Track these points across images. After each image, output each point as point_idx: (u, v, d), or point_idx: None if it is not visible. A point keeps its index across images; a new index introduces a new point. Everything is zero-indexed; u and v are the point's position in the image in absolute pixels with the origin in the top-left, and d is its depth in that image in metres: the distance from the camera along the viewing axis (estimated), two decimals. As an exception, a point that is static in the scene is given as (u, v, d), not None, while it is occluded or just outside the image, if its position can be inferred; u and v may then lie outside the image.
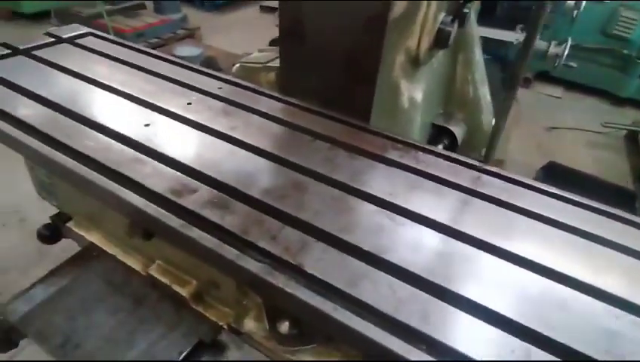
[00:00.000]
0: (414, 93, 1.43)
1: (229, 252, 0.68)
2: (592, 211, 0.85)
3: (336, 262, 0.68)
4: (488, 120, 1.79)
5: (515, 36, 3.30)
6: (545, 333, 0.60)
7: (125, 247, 0.98)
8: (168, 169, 0.84)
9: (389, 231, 0.75)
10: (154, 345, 0.84)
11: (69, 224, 1.05)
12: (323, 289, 0.64)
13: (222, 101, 1.09)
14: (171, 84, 1.15)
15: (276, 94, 1.15)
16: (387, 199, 0.82)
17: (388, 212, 0.80)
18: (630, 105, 4.32)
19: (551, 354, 0.58)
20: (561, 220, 0.81)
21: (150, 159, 0.87)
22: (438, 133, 1.71)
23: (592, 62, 4.20)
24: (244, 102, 1.09)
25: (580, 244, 0.77)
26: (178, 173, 0.83)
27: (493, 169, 0.95)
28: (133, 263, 0.95)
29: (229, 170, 0.85)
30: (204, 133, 0.96)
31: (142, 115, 1.01)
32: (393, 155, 0.95)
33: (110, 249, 0.98)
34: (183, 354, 0.82)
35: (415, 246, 0.73)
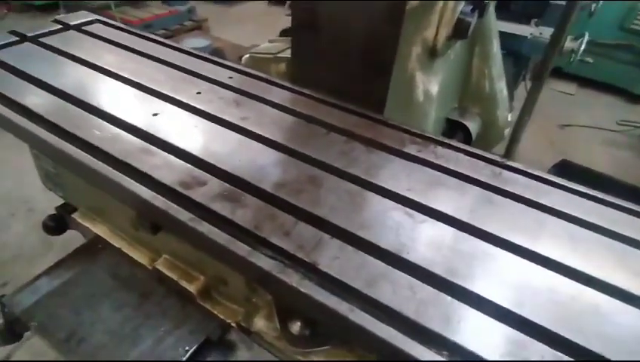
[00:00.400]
0: (430, 86, 1.38)
1: (240, 248, 0.64)
2: (621, 211, 0.80)
3: (352, 260, 0.64)
4: (504, 115, 1.74)
5: (529, 30, 3.22)
6: (575, 340, 0.56)
7: (131, 240, 0.95)
8: (177, 160, 0.81)
9: (408, 229, 0.71)
10: (160, 342, 0.82)
11: (75, 215, 1.02)
12: (339, 289, 0.60)
13: (233, 91, 1.05)
14: (180, 73, 1.12)
15: (289, 85, 1.11)
16: (406, 195, 0.78)
17: (407, 208, 0.76)
18: (647, 103, 4.21)
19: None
20: (588, 219, 0.76)
21: (158, 150, 0.84)
22: (452, 128, 1.67)
23: (609, 58, 4.09)
24: (255, 92, 1.05)
25: (610, 245, 0.72)
26: (187, 165, 0.80)
27: (515, 165, 0.91)
28: (140, 257, 0.92)
29: (241, 162, 0.82)
30: (214, 124, 0.93)
31: (150, 104, 0.98)
32: (411, 149, 0.91)
33: (116, 242, 0.96)
34: (190, 352, 0.80)
35: (436, 244, 0.69)
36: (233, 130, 0.91)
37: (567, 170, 3.20)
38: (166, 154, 0.82)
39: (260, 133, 0.90)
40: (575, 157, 3.17)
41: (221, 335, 0.81)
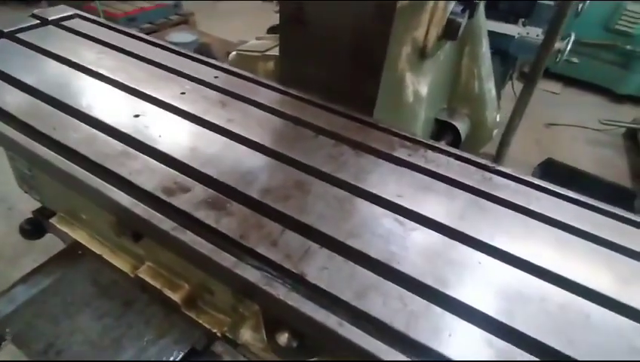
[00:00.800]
0: (419, 86, 1.37)
1: (226, 259, 0.62)
2: (610, 217, 0.80)
3: (341, 271, 0.63)
4: (492, 116, 1.74)
5: (517, 30, 3.24)
6: (563, 351, 0.55)
7: (112, 247, 0.92)
8: (159, 164, 0.78)
9: (399, 237, 0.69)
10: (143, 352, 0.79)
11: (52, 220, 0.98)
12: (327, 301, 0.58)
13: (218, 91, 1.02)
14: (164, 72, 1.08)
15: (276, 85, 1.08)
16: (396, 201, 0.76)
17: (397, 215, 0.74)
18: (629, 102, 4.29)
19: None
20: (576, 225, 0.76)
21: (140, 153, 0.80)
22: (441, 129, 1.66)
23: (593, 58, 4.15)
24: (242, 92, 1.02)
25: (599, 253, 0.72)
26: (170, 170, 0.77)
27: (505, 170, 0.90)
28: (121, 264, 0.89)
29: (226, 166, 0.79)
30: (198, 126, 0.89)
31: (131, 104, 0.94)
32: (401, 153, 0.90)
33: (96, 248, 0.92)
34: (174, 363, 0.77)
35: (426, 253, 0.67)
36: (218, 133, 0.88)
37: (552, 168, 3.24)
38: (147, 157, 0.79)
39: (245, 135, 0.87)
40: (560, 156, 3.21)
41: (206, 345, 0.78)
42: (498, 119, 1.78)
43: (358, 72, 1.10)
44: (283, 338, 0.63)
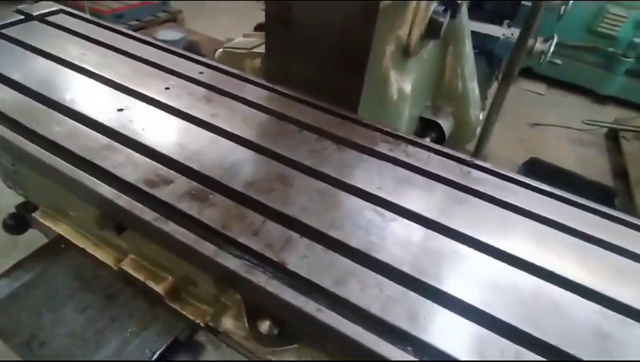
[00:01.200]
0: (404, 84, 1.39)
1: (207, 248, 0.63)
2: (586, 210, 0.83)
3: (321, 259, 0.64)
4: (476, 114, 1.78)
5: (501, 31, 3.30)
6: (535, 334, 0.58)
7: (96, 240, 0.92)
8: (142, 158, 0.79)
9: (378, 228, 0.71)
10: (125, 344, 0.79)
11: (35, 214, 0.98)
12: (307, 288, 0.60)
13: (203, 87, 1.02)
14: (148, 67, 1.08)
15: (262, 81, 1.09)
16: (376, 194, 0.78)
17: (377, 207, 0.76)
18: (611, 103, 4.39)
19: (540, 355, 0.55)
20: (552, 218, 0.79)
21: (123, 147, 0.81)
22: (426, 127, 1.69)
23: (576, 60, 4.24)
24: (227, 88, 1.03)
25: (573, 244, 0.75)
26: (153, 163, 0.78)
27: (484, 164, 0.93)
28: (104, 257, 0.89)
29: (210, 160, 0.80)
30: (182, 120, 0.90)
31: (115, 99, 0.95)
32: (383, 148, 0.92)
33: (79, 241, 0.92)
34: (157, 354, 0.78)
35: (405, 243, 0.69)
36: (202, 127, 0.89)
37: (536, 167, 3.31)
38: (131, 151, 0.80)
39: (230, 130, 0.89)
40: (544, 155, 3.28)
41: (190, 336, 0.79)
42: (481, 117, 1.82)
43: (342, 71, 1.11)
44: (264, 325, 0.65)
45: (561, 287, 0.65)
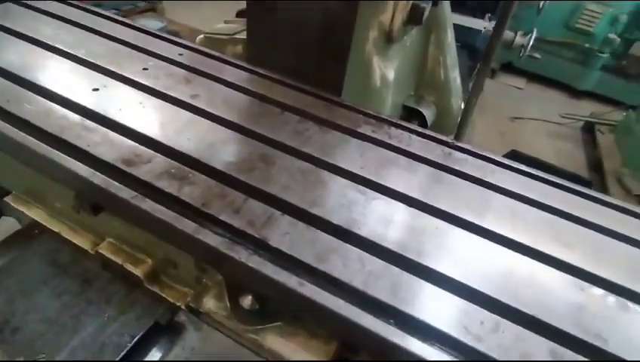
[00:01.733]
0: (387, 71, 1.40)
1: (187, 225, 0.62)
2: (560, 189, 0.85)
3: (303, 236, 0.64)
4: (457, 104, 1.79)
5: (483, 24, 3.35)
6: (513, 305, 0.59)
7: (72, 224, 0.89)
8: (119, 137, 0.76)
9: (360, 205, 0.71)
10: (103, 329, 0.77)
11: (7, 199, 0.94)
12: (289, 264, 0.59)
13: (183, 68, 1.00)
14: (126, 48, 1.05)
15: (243, 64, 1.08)
16: (359, 173, 0.78)
17: (359, 186, 0.76)
18: (588, 97, 4.52)
19: (519, 324, 0.56)
20: (529, 195, 0.80)
21: (98, 126, 0.78)
22: (409, 115, 1.70)
23: (555, 55, 4.34)
24: (207, 70, 1.01)
25: (548, 220, 0.77)
26: (130, 142, 0.76)
27: (465, 145, 0.94)
28: (81, 241, 0.86)
29: (189, 140, 0.79)
30: (161, 100, 0.88)
31: (90, 79, 0.92)
32: (365, 130, 0.92)
33: (54, 226, 0.89)
34: (136, 338, 0.76)
35: (387, 220, 0.69)
36: (182, 108, 0.87)
37: (516, 159, 3.39)
38: (107, 130, 0.77)
39: (210, 111, 0.87)
40: (524, 148, 3.35)
41: (170, 319, 0.78)
42: (463, 107, 1.84)
43: (325, 56, 1.11)
44: (247, 301, 0.64)
45: (538, 261, 0.67)
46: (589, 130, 3.92)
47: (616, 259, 0.71)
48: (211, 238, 0.61)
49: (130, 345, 0.76)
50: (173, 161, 0.73)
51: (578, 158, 3.65)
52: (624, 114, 3.76)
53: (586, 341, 0.55)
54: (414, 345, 0.53)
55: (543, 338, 0.55)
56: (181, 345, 0.75)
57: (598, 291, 0.64)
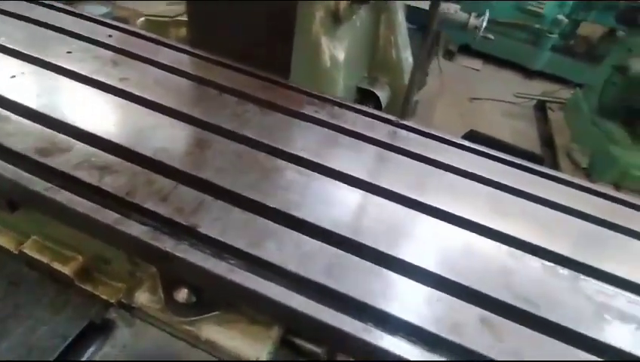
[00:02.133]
0: (336, 52, 1.37)
1: (107, 216, 0.58)
2: (503, 163, 0.87)
3: (237, 221, 0.61)
4: (411, 84, 1.80)
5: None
6: (447, 276, 0.59)
7: (-8, 223, 0.82)
8: (35, 125, 0.70)
9: (299, 187, 0.69)
10: (32, 333, 0.72)
11: None
12: (220, 250, 0.57)
13: (111, 50, 0.93)
14: (48, 31, 0.97)
15: (179, 45, 1.02)
16: (299, 154, 0.76)
17: (300, 167, 0.74)
18: (540, 77, 4.70)
19: (456, 297, 0.57)
20: (473, 171, 0.81)
21: (13, 114, 0.72)
22: (363, 97, 1.69)
23: (508, 37, 4.47)
24: (139, 52, 0.94)
25: (485, 192, 0.78)
26: (48, 130, 0.70)
27: (410, 123, 0.94)
28: (3, 241, 0.79)
29: (115, 126, 0.73)
30: (85, 85, 0.82)
31: (7, 66, 0.83)
32: (308, 110, 0.89)
33: (-28, 227, 0.81)
34: (69, 340, 0.71)
35: (326, 201, 0.68)
36: (109, 92, 0.81)
37: (474, 139, 3.49)
38: (21, 119, 0.71)
39: (141, 95, 0.81)
40: (482, 128, 3.44)
41: (104, 317, 0.73)
42: (410, 74, 1.85)
43: (270, 37, 1.07)
44: (182, 294, 0.61)
45: (474, 232, 0.67)
46: (541, 108, 4.08)
47: (553, 229, 0.73)
48: (135, 229, 0.57)
49: (62, 347, 0.71)
50: (95, 149, 0.68)
51: (531, 136, 3.79)
52: (572, 92, 3.94)
53: (517, 306, 0.56)
54: (349, 324, 0.52)
55: (476, 307, 0.55)
56: (111, 343, 0.71)
57: (526, 256, 0.65)
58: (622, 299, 0.62)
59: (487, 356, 0.50)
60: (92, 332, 0.73)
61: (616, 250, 0.73)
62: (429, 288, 0.57)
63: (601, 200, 0.83)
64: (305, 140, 0.81)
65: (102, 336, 0.73)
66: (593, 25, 4.27)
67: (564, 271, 0.64)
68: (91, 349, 0.73)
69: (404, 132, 0.90)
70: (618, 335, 0.56)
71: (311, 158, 0.76)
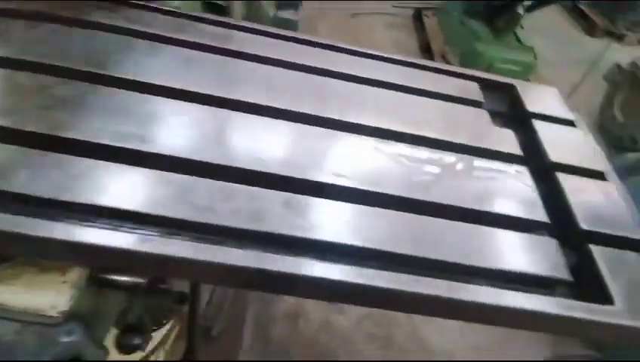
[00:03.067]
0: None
1: None
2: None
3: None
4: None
5: None
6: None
7: None
8: None
9: (73, 106, 0.56)
10: None
11: None
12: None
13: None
14: None
15: None
16: (83, 69, 0.62)
17: (81, 83, 0.60)
18: (415, -14, 4.75)
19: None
20: (286, 59, 0.75)
21: None
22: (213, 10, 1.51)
23: (380, -56, 4.36)
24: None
25: (313, 79, 0.73)
26: None
27: (245, 24, 0.83)
28: None
29: None
30: None
31: None
32: (97, 17, 0.73)
33: None
34: None
35: (107, 114, 0.57)
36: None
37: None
38: None
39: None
40: (365, 43, 3.44)
41: None
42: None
43: None
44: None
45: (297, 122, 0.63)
46: (418, 16, 4.17)
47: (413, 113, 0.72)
48: None
49: None
50: None
51: (411, 45, 3.91)
52: (443, -4, 4.07)
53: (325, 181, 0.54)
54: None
55: (278, 191, 0.52)
56: None
57: (387, 142, 0.64)
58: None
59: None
60: None
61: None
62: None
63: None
64: (89, 53, 0.66)
65: None
66: None
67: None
68: None
69: (241, 34, 0.80)
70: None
71: (97, 71, 0.63)
